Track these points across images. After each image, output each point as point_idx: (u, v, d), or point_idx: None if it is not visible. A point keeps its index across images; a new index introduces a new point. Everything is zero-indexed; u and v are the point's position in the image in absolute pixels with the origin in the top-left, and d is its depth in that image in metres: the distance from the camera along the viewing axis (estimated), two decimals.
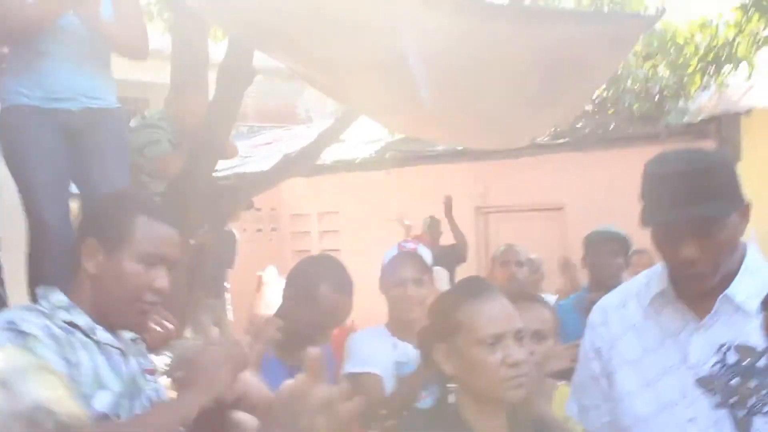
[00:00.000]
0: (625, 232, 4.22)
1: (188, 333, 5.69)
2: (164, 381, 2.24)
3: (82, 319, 1.81)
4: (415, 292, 3.11)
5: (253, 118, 14.63)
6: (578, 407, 2.28)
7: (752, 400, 1.84)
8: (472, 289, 2.03)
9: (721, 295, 1.86)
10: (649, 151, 7.90)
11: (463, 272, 7.33)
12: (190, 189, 4.91)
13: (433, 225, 7.82)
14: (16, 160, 3.31)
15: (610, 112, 8.06)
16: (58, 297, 1.84)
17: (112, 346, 1.83)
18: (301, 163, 6.01)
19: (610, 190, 8.04)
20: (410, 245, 3.30)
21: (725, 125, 7.63)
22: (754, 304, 1.89)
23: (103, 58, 3.50)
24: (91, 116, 3.38)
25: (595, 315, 2.25)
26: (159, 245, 1.86)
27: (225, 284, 6.74)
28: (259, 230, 10.63)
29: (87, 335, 1.78)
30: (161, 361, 3.69)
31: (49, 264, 3.11)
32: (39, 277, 3.13)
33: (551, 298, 4.96)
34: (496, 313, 1.94)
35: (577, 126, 8.15)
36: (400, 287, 3.15)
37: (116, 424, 1.76)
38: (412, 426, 2.05)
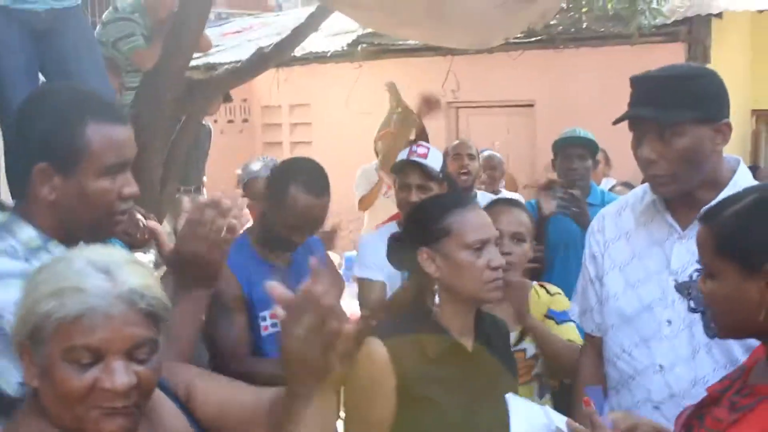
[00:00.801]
0: (592, 134, 4.33)
1: (167, 226, 5.80)
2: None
3: (61, 252, 1.65)
4: (418, 198, 3.22)
5: (222, 4, 14.36)
6: (579, 310, 2.47)
7: None
8: (458, 199, 2.22)
9: (703, 208, 1.99)
10: (621, 51, 8.09)
11: None
12: (164, 83, 4.91)
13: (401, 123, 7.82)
14: None
15: (583, 10, 8.04)
16: (28, 232, 1.67)
17: None
18: (275, 58, 5.98)
19: (580, 88, 8.13)
20: (422, 150, 3.38)
21: (696, 27, 7.68)
22: None
23: None
24: (56, 16, 3.40)
25: (594, 222, 2.44)
26: (119, 151, 1.69)
27: (203, 177, 6.78)
28: (231, 121, 10.60)
29: None
30: (147, 257, 3.80)
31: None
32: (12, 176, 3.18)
33: (516, 196, 5.13)
34: (480, 221, 2.14)
35: (551, 23, 8.13)
36: (405, 191, 3.32)
37: None
38: (388, 325, 2.20)
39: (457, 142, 5.49)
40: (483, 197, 4.88)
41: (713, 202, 1.77)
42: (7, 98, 3.27)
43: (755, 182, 2.13)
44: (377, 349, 2.05)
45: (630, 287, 2.23)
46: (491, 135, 8.22)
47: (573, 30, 8.17)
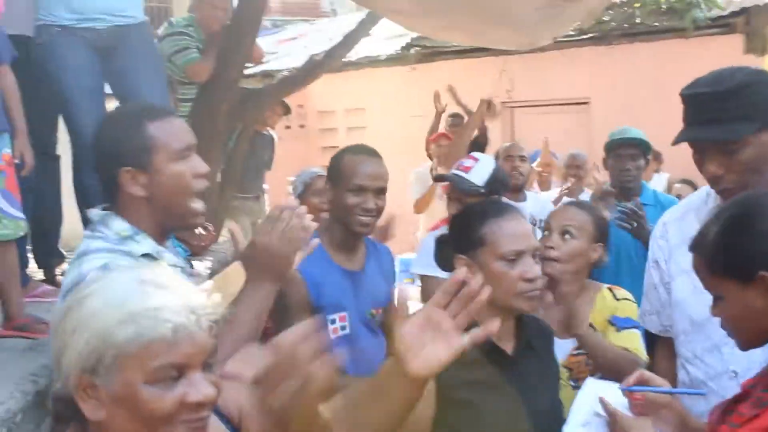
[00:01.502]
0: (643, 133, 4.29)
1: (224, 235, 5.93)
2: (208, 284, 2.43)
3: (149, 245, 1.90)
4: (456, 210, 3.30)
5: (276, 11, 14.55)
6: (641, 312, 2.48)
7: None
8: (496, 208, 2.20)
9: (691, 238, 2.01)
10: (676, 45, 7.95)
11: None
12: (219, 94, 5.04)
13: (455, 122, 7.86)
14: (53, 77, 3.49)
15: (636, 5, 7.94)
16: (120, 225, 1.90)
17: (176, 266, 1.93)
18: (326, 65, 6.07)
19: (635, 84, 8.03)
20: (467, 163, 3.46)
21: (754, 17, 7.52)
22: None
23: None
24: (119, 32, 3.53)
25: (656, 229, 2.44)
26: (180, 137, 1.94)
27: (263, 186, 6.88)
28: (288, 127, 10.74)
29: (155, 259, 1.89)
30: (203, 266, 3.91)
31: (88, 174, 3.31)
32: (81, 187, 3.33)
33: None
34: (517, 231, 2.12)
35: (604, 19, 8.06)
36: (454, 203, 3.42)
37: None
38: None
39: (508, 144, 5.53)
40: (534, 199, 4.91)
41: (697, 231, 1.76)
42: (72, 116, 3.42)
43: None
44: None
45: (699, 293, 2.21)
46: (546, 134, 8.17)
47: (626, 25, 8.08)
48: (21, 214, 2.99)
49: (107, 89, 3.68)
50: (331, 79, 9.48)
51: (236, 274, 3.83)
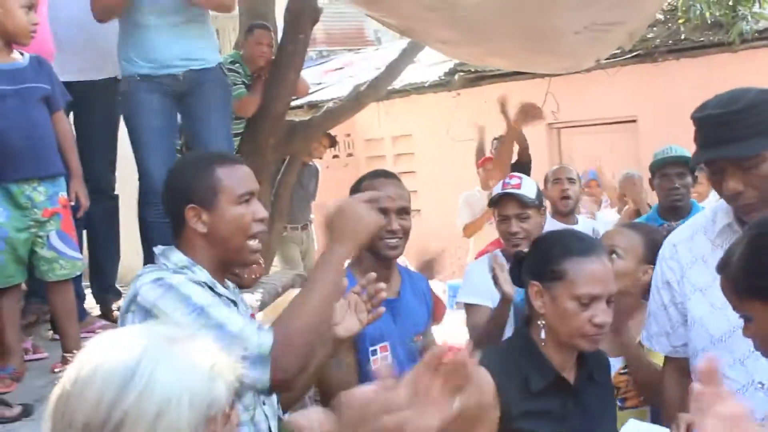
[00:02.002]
0: (688, 150, 4.26)
1: (276, 266, 6.00)
2: (259, 317, 2.48)
3: (205, 276, 2.02)
4: (518, 227, 3.31)
5: (321, 42, 14.74)
6: (647, 334, 2.48)
7: None
8: (583, 246, 2.17)
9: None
10: (722, 60, 7.86)
11: None
12: (266, 128, 5.15)
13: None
14: (130, 123, 3.71)
15: (680, 21, 7.89)
16: (179, 257, 2.04)
17: (228, 298, 2.06)
18: (371, 95, 6.16)
19: (683, 100, 7.93)
20: (515, 181, 3.45)
21: None
22: None
23: (200, 20, 3.80)
24: (194, 78, 3.73)
25: (664, 250, 2.44)
26: (245, 183, 2.08)
27: (310, 216, 6.99)
28: (336, 157, 10.87)
29: (211, 289, 2.01)
30: (254, 298, 3.98)
31: (152, 211, 3.45)
32: (147, 226, 3.48)
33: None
34: (598, 275, 2.10)
35: (648, 36, 8.02)
36: (505, 222, 3.38)
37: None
38: (495, 355, 2.16)
39: (556, 167, 5.48)
40: (584, 223, 4.88)
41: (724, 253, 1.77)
42: (143, 156, 3.60)
43: None
44: (485, 378, 2.03)
45: (717, 309, 2.22)
46: (594, 154, 8.13)
47: (671, 42, 8.03)
48: (78, 254, 3.11)
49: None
50: (377, 107, 9.61)
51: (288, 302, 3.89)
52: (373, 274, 2.34)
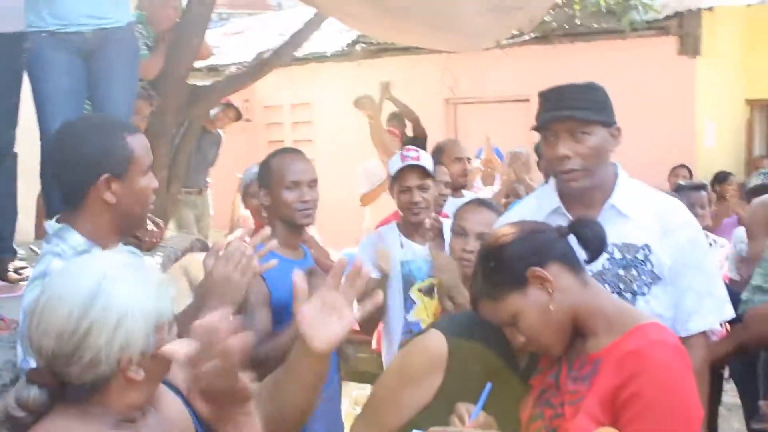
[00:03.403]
0: None
1: (171, 229, 5.97)
2: None
3: None
4: (420, 197, 3.45)
5: (222, 4, 14.45)
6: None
7: (634, 285, 2.25)
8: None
9: (605, 203, 2.27)
10: (614, 45, 8.19)
11: None
12: (168, 91, 5.08)
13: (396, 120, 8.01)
14: (36, 83, 3.54)
15: (576, 6, 8.19)
16: (76, 239, 2.01)
17: None
18: (274, 63, 6.15)
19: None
20: (413, 153, 3.58)
21: (687, 21, 7.83)
22: (631, 209, 2.29)
23: None
24: (102, 36, 3.58)
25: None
26: (148, 154, 2.11)
27: (207, 180, 6.95)
28: (231, 124, 10.75)
29: None
30: (154, 261, 3.97)
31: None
32: (48, 192, 3.40)
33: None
34: None
35: (545, 19, 8.28)
36: (406, 193, 3.49)
37: None
38: (461, 323, 2.15)
39: (452, 143, 5.52)
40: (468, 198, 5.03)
41: None
42: (47, 117, 3.46)
43: (636, 184, 2.38)
44: (438, 342, 2.02)
45: None
46: (487, 130, 8.37)
47: (567, 26, 8.32)
48: None
49: None
50: (277, 73, 9.52)
51: (188, 266, 3.90)
52: (267, 231, 2.39)
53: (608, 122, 2.28)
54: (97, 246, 2.01)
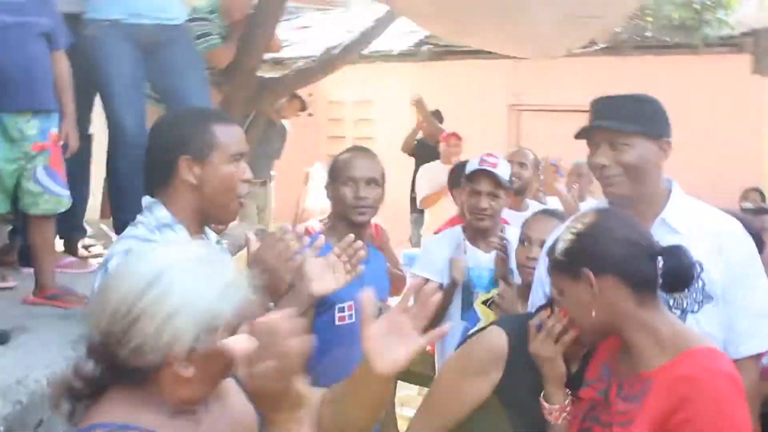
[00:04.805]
0: None
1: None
2: None
3: (184, 237, 2.06)
4: (487, 204, 3.40)
5: None
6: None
7: (685, 303, 2.21)
8: None
9: (657, 218, 2.25)
10: (685, 60, 8.06)
11: None
12: (237, 81, 5.16)
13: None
14: (99, 70, 3.63)
15: (648, 18, 8.06)
16: (163, 213, 2.08)
17: None
18: (342, 59, 6.19)
19: None
20: (493, 160, 3.52)
21: (763, 39, 7.65)
22: (682, 225, 2.25)
23: None
24: (163, 31, 3.70)
25: (546, 245, 2.58)
26: (237, 144, 2.13)
27: (271, 173, 7.01)
28: (297, 115, 10.84)
29: None
30: (221, 247, 4.04)
31: (125, 162, 3.47)
32: (119, 177, 3.49)
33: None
34: None
35: (616, 30, 8.18)
36: (475, 197, 3.45)
37: None
38: (521, 323, 2.19)
39: (513, 149, 5.57)
40: (534, 208, 4.98)
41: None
42: (113, 105, 3.57)
43: (691, 201, 2.34)
44: (499, 338, 2.11)
45: None
46: (551, 139, 8.29)
47: (638, 38, 8.19)
48: (63, 192, 3.12)
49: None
50: (341, 70, 9.61)
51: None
52: (351, 236, 2.45)
53: (654, 135, 2.26)
54: (181, 224, 2.07)
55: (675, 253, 1.91)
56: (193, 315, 1.44)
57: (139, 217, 2.10)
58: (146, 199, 2.13)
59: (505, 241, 3.36)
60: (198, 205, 2.11)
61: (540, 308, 2.10)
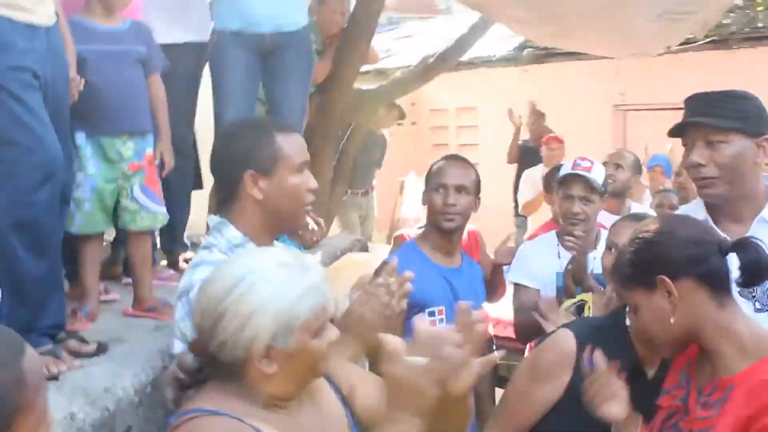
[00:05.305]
0: None
1: (336, 228, 6.16)
2: None
3: None
4: (580, 209, 3.32)
5: (392, 8, 14.72)
6: None
7: (756, 303, 2.13)
8: None
9: (755, 218, 2.17)
10: None
11: None
12: (334, 95, 5.27)
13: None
14: (216, 76, 3.87)
15: (759, 8, 7.75)
16: (233, 233, 2.06)
17: None
18: (439, 67, 6.22)
19: (756, 90, 7.77)
20: (586, 163, 3.43)
21: None
22: None
23: None
24: (280, 40, 3.84)
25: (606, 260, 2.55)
26: (302, 153, 2.11)
27: (373, 182, 7.11)
28: (399, 124, 10.94)
29: None
30: (315, 258, 4.15)
31: None
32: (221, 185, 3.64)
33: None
34: None
35: (723, 22, 7.90)
36: (568, 201, 3.37)
37: None
38: (587, 325, 2.30)
39: (613, 150, 5.43)
40: (636, 210, 4.86)
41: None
42: (224, 115, 3.75)
43: None
44: (567, 341, 2.11)
45: None
46: (658, 138, 8.07)
47: (747, 29, 7.89)
48: (159, 209, 3.27)
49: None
50: (443, 77, 9.59)
51: (346, 266, 4.03)
52: (411, 274, 2.18)
53: (752, 132, 2.18)
54: (251, 242, 2.06)
55: (747, 246, 1.83)
56: (272, 314, 1.55)
57: (209, 239, 2.10)
58: (213, 219, 2.13)
59: (580, 242, 3.22)
60: (265, 219, 2.09)
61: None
